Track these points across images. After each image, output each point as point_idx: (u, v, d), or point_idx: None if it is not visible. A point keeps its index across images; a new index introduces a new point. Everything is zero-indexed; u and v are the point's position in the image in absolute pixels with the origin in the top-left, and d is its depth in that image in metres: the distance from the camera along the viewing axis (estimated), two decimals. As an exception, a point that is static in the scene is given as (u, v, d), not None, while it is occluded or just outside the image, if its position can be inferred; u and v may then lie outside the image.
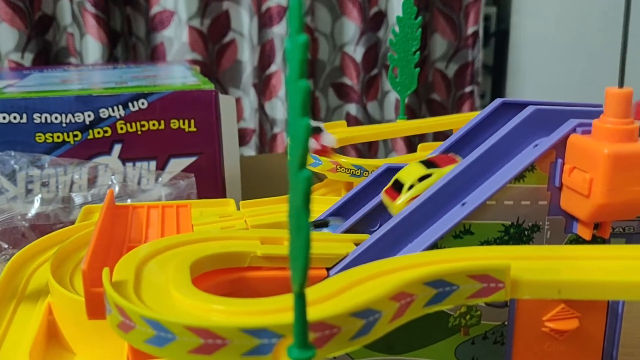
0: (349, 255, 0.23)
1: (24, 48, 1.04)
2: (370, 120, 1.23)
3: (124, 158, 0.45)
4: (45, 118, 0.43)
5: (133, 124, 0.44)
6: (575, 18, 1.25)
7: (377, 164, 0.34)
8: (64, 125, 0.43)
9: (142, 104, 0.44)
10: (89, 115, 0.44)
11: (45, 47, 1.10)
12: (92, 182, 0.45)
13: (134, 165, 0.45)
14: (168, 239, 0.22)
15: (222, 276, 0.22)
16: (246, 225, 0.32)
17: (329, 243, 0.25)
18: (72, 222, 0.43)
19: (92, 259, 0.19)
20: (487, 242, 0.22)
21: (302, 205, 0.13)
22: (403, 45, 0.41)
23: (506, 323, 0.22)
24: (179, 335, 0.15)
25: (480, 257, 0.19)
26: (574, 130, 0.21)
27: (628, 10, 0.29)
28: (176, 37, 1.18)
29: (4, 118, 0.42)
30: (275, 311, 0.16)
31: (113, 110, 0.44)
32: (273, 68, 1.18)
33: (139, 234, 0.25)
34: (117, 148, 0.45)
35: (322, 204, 0.32)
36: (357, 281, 0.17)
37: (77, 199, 0.41)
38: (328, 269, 0.23)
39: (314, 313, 0.14)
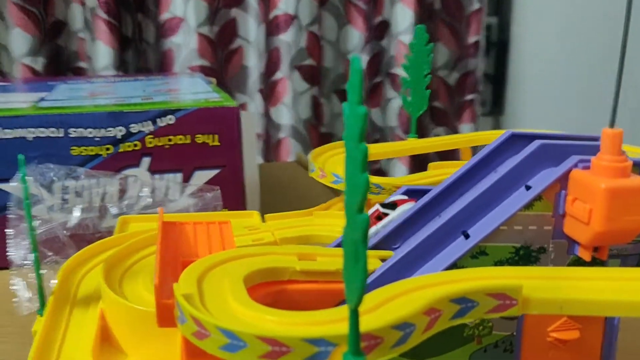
0: (375, 271, 0.27)
1: (37, 52, 1.07)
2: (373, 126, 1.26)
3: (152, 170, 0.48)
4: (81, 132, 0.46)
5: (161, 139, 0.47)
6: (575, 29, 1.29)
7: (394, 183, 0.37)
8: (97, 139, 0.46)
9: (170, 119, 0.47)
10: (120, 130, 0.47)
11: (57, 51, 1.13)
12: (122, 193, 0.48)
13: (161, 177, 0.48)
14: (220, 255, 0.25)
15: (266, 288, 0.25)
16: (273, 237, 0.35)
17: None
18: (108, 231, 0.46)
19: (161, 274, 0.22)
20: (500, 262, 0.25)
21: (360, 240, 0.16)
22: (415, 69, 0.45)
23: (515, 333, 0.25)
24: (250, 343, 0.18)
25: (496, 276, 0.22)
26: (575, 165, 0.24)
27: (625, 38, 0.32)
28: (185, 43, 1.21)
29: (42, 132, 0.45)
30: (330, 322, 0.19)
31: (143, 126, 0.47)
32: (279, 75, 1.21)
33: (190, 249, 0.28)
34: (146, 161, 0.48)
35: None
36: (393, 296, 0.20)
37: (112, 209, 0.44)
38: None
39: (362, 325, 0.18)
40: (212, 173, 0.49)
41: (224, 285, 0.23)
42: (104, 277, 0.31)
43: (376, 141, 1.27)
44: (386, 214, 0.29)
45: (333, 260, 0.27)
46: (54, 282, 0.40)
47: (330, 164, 0.42)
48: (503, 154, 0.29)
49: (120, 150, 0.47)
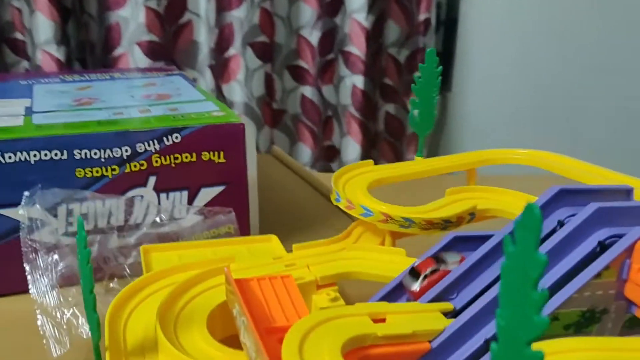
0: (447, 329, 0.28)
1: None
2: (325, 103, 1.27)
3: (158, 189, 0.47)
4: (85, 154, 0.45)
5: (167, 157, 0.47)
6: (524, 7, 1.32)
7: (426, 217, 0.38)
8: (102, 160, 0.45)
9: (176, 138, 0.46)
10: (126, 150, 0.45)
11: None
12: (128, 213, 0.47)
13: (167, 196, 0.47)
14: (308, 321, 0.26)
15: (354, 355, 0.26)
16: (314, 275, 0.36)
17: (422, 315, 0.29)
18: (113, 253, 0.46)
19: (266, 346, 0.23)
20: (568, 325, 0.27)
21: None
22: (424, 91, 0.46)
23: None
24: None
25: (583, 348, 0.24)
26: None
27: None
28: (132, 17, 1.16)
29: (46, 155, 0.44)
30: None
31: (149, 145, 0.46)
32: (231, 52, 1.19)
33: (264, 311, 0.29)
34: (152, 180, 0.47)
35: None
36: None
37: (131, 239, 0.44)
38: (429, 341, 0.28)
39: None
40: (217, 190, 0.49)
41: (325, 355, 0.24)
42: (162, 330, 0.31)
43: (328, 118, 1.28)
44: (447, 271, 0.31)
45: (405, 320, 0.28)
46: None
47: (349, 190, 0.42)
48: (552, 208, 0.31)
49: (127, 170, 0.46)
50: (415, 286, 0.31)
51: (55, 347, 0.37)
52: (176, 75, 0.66)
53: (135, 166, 0.46)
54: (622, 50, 1.35)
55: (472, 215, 0.41)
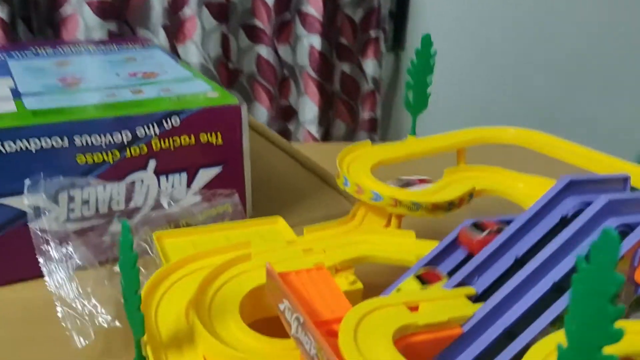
0: (476, 314, 0.31)
1: None
2: (281, 63, 1.26)
3: (158, 172, 0.47)
4: (86, 140, 0.44)
5: (167, 140, 0.47)
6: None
7: (432, 200, 0.40)
8: (103, 145, 0.45)
9: (175, 121, 0.47)
10: (126, 135, 0.45)
11: None
12: (129, 197, 0.47)
13: (167, 178, 0.48)
14: (355, 314, 0.28)
15: (400, 342, 0.28)
16: (327, 256, 0.38)
17: (451, 301, 0.32)
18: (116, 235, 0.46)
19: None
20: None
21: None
22: (419, 74, 0.47)
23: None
24: None
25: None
26: (651, 229, 0.29)
27: None
28: (81, -26, 1.12)
29: (47, 142, 0.43)
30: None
31: (149, 129, 0.46)
32: (187, 12, 1.16)
33: (308, 304, 0.30)
34: (152, 163, 0.47)
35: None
36: None
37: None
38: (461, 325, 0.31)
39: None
40: (215, 170, 0.49)
41: (379, 346, 0.26)
42: (201, 321, 0.32)
43: (285, 79, 1.28)
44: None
45: (438, 307, 0.31)
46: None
47: (353, 172, 0.44)
48: (560, 203, 0.33)
49: (127, 155, 0.46)
50: (480, 236, 0.35)
51: (79, 339, 0.38)
52: (154, 48, 0.65)
53: (135, 150, 0.46)
54: (564, 12, 1.40)
55: (471, 196, 0.43)
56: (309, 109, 1.28)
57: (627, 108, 1.47)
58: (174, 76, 0.55)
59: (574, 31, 1.41)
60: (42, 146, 0.43)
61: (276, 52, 1.25)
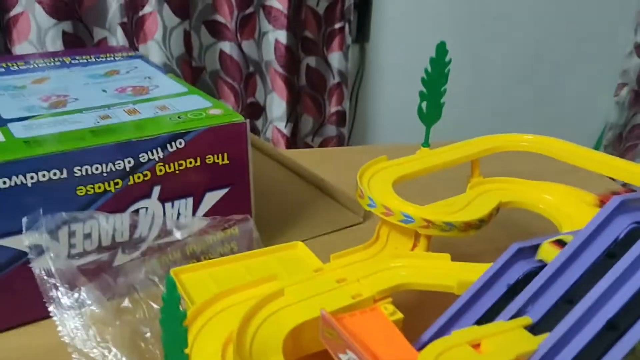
0: (540, 348, 0.29)
1: None
2: (246, 59, 1.23)
3: (162, 199, 0.44)
4: (86, 170, 0.41)
5: (171, 165, 0.44)
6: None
7: (464, 220, 0.39)
8: (104, 174, 0.42)
9: (180, 143, 0.44)
10: (129, 162, 0.42)
11: None
12: (133, 227, 0.44)
13: (172, 205, 0.45)
14: (428, 355, 0.26)
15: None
16: (362, 285, 0.36)
17: (511, 334, 0.30)
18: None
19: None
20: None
21: None
22: (433, 83, 0.46)
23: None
24: None
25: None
26: None
27: None
28: (31, -27, 1.05)
29: (44, 176, 0.40)
30: None
31: (152, 154, 0.43)
32: (147, 9, 1.12)
33: (372, 353, 0.28)
34: (157, 190, 0.44)
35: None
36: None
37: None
38: (526, 361, 0.29)
39: None
40: (221, 192, 0.47)
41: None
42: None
43: (251, 75, 1.25)
44: None
45: (501, 343, 0.29)
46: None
47: (375, 191, 0.42)
48: (615, 220, 0.32)
49: (130, 182, 0.43)
50: None
51: (101, 391, 0.35)
52: (135, 57, 0.61)
53: (138, 177, 0.43)
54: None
55: (497, 210, 0.42)
56: (276, 105, 1.25)
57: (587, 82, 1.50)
58: (168, 91, 0.51)
59: (531, 12, 1.42)
60: (39, 180, 0.39)
61: (240, 47, 1.21)
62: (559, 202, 0.42)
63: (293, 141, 1.28)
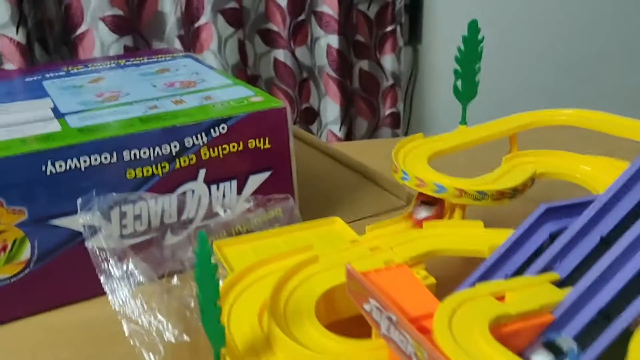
0: (566, 300, 0.30)
1: None
2: (299, 65, 1.26)
3: (208, 182, 0.47)
4: (135, 154, 0.43)
5: (215, 149, 0.46)
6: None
7: (497, 188, 0.39)
8: (152, 158, 0.44)
9: (223, 128, 0.46)
10: (175, 146, 0.45)
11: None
12: (181, 208, 0.46)
13: (217, 187, 0.47)
14: (446, 306, 0.27)
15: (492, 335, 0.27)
16: (395, 253, 0.37)
17: (537, 288, 0.31)
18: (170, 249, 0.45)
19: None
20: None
21: None
22: (467, 62, 0.46)
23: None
24: None
25: None
26: None
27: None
28: (94, -9, 1.11)
29: (96, 160, 0.42)
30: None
31: (197, 138, 0.45)
32: (202, 20, 1.16)
33: (395, 302, 0.29)
34: (202, 173, 0.46)
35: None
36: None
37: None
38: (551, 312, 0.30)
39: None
40: (264, 175, 0.48)
41: (477, 338, 0.25)
42: (278, 326, 0.31)
43: (305, 81, 1.27)
44: None
45: (526, 296, 0.30)
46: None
47: (410, 165, 0.43)
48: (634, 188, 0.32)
49: (177, 166, 0.45)
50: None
51: (149, 355, 0.37)
52: (185, 57, 0.64)
53: (184, 161, 0.45)
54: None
55: (532, 181, 0.42)
56: (330, 109, 1.27)
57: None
58: (214, 84, 0.54)
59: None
60: (91, 163, 0.42)
61: (293, 54, 1.24)
62: (596, 171, 0.42)
63: (348, 144, 1.30)
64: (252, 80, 1.25)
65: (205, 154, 0.46)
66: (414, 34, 1.35)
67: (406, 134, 1.42)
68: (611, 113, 0.46)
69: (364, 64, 1.30)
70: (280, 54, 1.24)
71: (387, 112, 1.34)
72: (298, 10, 1.21)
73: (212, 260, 0.29)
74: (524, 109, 0.52)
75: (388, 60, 1.29)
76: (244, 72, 1.21)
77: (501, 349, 0.26)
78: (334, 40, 1.22)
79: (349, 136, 1.30)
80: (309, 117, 1.30)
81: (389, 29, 1.28)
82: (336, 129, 1.27)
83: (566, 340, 0.29)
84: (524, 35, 1.39)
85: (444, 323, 0.27)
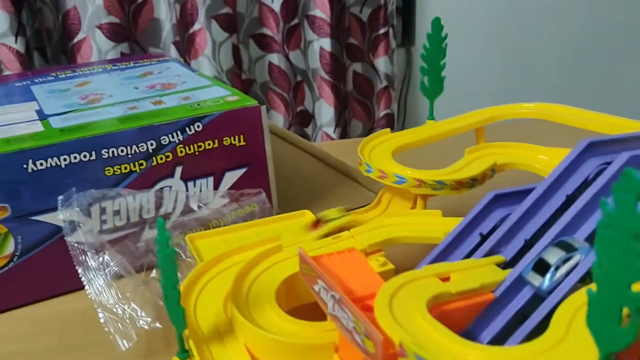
0: (506, 279, 0.31)
1: None
2: (293, 69, 1.28)
3: (185, 178, 0.48)
4: (113, 152, 0.46)
5: (191, 146, 0.48)
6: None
7: (455, 178, 0.41)
8: (129, 156, 0.46)
9: (198, 127, 0.48)
10: (151, 144, 0.47)
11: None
12: (159, 204, 0.48)
13: (194, 183, 0.49)
14: (388, 287, 0.29)
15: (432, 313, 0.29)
16: (356, 240, 0.39)
17: (481, 269, 0.32)
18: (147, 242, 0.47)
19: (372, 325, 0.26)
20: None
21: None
22: (432, 58, 0.48)
23: None
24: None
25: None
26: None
27: None
28: (89, 0, 1.14)
29: (75, 158, 0.44)
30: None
31: (173, 136, 0.47)
32: (197, 26, 1.18)
33: (343, 284, 0.31)
34: (179, 170, 0.48)
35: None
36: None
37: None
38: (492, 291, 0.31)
39: None
40: (240, 172, 0.50)
41: (415, 315, 0.27)
42: (240, 312, 0.33)
43: (299, 84, 1.29)
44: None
45: (469, 276, 0.31)
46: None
47: (375, 159, 0.45)
48: (584, 160, 0.34)
49: (153, 163, 0.47)
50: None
51: (122, 341, 0.39)
52: (170, 61, 0.66)
53: (161, 158, 0.47)
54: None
55: (493, 171, 0.44)
56: (325, 111, 1.29)
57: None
58: (192, 85, 0.56)
59: (582, 6, 1.40)
60: (71, 161, 0.44)
61: (287, 58, 1.26)
62: (555, 161, 0.43)
63: (343, 146, 1.32)
64: (247, 84, 1.27)
65: (181, 152, 0.48)
66: (407, 36, 1.36)
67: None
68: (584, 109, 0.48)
69: (357, 67, 1.32)
70: (275, 58, 1.26)
71: (382, 113, 1.35)
72: (291, 15, 1.23)
73: (171, 246, 0.31)
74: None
75: (381, 63, 1.31)
76: (238, 76, 1.23)
77: (436, 324, 0.27)
78: (326, 43, 1.24)
79: (343, 138, 1.32)
80: (304, 119, 1.32)
81: (382, 31, 1.29)
82: (331, 130, 1.29)
83: (578, 241, 0.30)
84: (521, 31, 1.41)
85: (385, 301, 0.28)
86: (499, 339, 0.30)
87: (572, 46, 1.43)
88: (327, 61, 1.25)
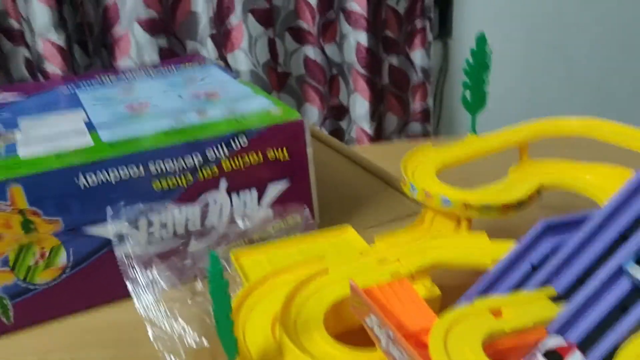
0: (560, 316, 0.31)
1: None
2: (329, 62, 1.27)
3: (229, 191, 0.49)
4: (160, 167, 0.46)
5: (236, 160, 0.48)
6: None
7: (503, 202, 0.40)
8: (177, 170, 0.47)
9: (243, 141, 0.48)
10: (197, 158, 0.47)
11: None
12: (204, 217, 0.49)
13: (238, 196, 0.49)
14: (445, 321, 0.29)
15: (486, 351, 0.29)
16: (408, 269, 0.39)
17: (534, 304, 0.32)
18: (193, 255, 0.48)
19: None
20: None
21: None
22: (475, 74, 0.47)
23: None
24: None
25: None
26: None
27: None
28: (129, -6, 1.15)
29: (125, 172, 0.45)
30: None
31: (218, 151, 0.48)
32: (233, 20, 1.18)
33: (394, 318, 0.31)
34: (223, 183, 0.49)
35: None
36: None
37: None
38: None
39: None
40: (283, 185, 0.51)
41: (470, 354, 0.27)
42: (288, 337, 0.34)
43: (333, 77, 1.29)
44: None
45: (522, 312, 0.31)
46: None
47: (419, 177, 0.45)
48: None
49: (199, 177, 0.48)
50: None
51: (171, 358, 0.40)
52: (210, 66, 0.67)
53: (207, 172, 0.48)
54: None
55: (539, 193, 0.43)
56: (360, 105, 1.29)
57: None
58: (235, 94, 0.56)
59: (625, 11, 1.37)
60: (120, 176, 0.45)
61: (323, 51, 1.26)
62: (602, 182, 0.43)
63: (377, 140, 1.31)
64: (282, 77, 1.27)
65: (226, 165, 0.48)
66: (444, 28, 1.35)
67: (436, 129, 1.42)
68: (624, 123, 0.47)
69: (393, 60, 1.31)
70: (310, 51, 1.26)
71: (417, 107, 1.34)
72: (327, 8, 1.22)
73: (224, 277, 0.31)
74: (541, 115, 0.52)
75: (418, 56, 1.30)
76: (274, 69, 1.23)
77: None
78: (362, 37, 1.23)
79: (378, 132, 1.31)
80: (339, 113, 1.32)
81: (419, 24, 1.28)
82: (366, 125, 1.29)
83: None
84: (560, 31, 1.38)
85: (439, 339, 0.29)
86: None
87: (610, 48, 1.40)
88: (363, 55, 1.25)
